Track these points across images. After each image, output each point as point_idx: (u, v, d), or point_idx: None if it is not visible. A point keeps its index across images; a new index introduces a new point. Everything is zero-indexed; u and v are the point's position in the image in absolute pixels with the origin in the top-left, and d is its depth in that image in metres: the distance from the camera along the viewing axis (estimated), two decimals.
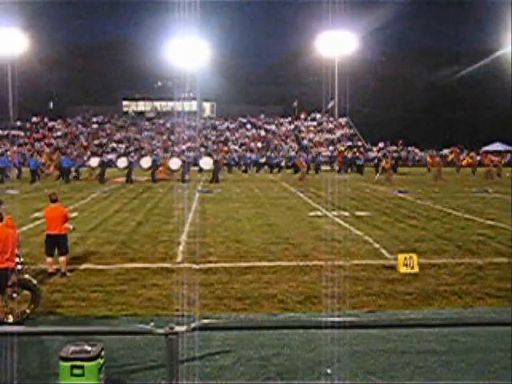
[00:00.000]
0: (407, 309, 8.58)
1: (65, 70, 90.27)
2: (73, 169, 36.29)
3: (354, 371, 6.31)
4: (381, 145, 64.07)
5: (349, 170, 44.28)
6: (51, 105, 73.23)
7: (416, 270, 10.53)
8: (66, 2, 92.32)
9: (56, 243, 10.61)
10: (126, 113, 73.65)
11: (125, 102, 75.17)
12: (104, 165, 35.11)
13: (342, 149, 54.11)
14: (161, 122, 70.22)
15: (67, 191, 26.62)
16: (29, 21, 58.53)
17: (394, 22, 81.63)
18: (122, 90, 77.03)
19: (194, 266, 11.07)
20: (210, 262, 11.53)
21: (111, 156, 50.11)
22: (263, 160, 48.36)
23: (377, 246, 13.20)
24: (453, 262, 11.44)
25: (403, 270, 10.52)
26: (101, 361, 4.97)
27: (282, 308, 8.61)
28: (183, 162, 36.05)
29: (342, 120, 69.60)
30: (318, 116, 71.70)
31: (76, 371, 4.82)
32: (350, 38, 59.20)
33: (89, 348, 4.96)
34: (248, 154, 54.14)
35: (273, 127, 70.15)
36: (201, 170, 40.44)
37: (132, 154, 48.82)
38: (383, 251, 12.58)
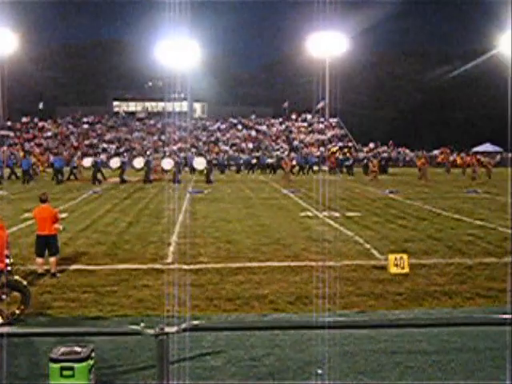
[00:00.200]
0: (397, 309, 8.61)
1: (55, 70, 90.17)
2: (67, 169, 36.17)
3: (345, 371, 6.32)
4: (371, 145, 64.20)
5: (339, 170, 44.35)
6: (41, 105, 72.81)
7: (406, 270, 10.57)
8: (57, 1, 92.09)
9: (46, 244, 10.57)
10: (117, 113, 73.37)
11: (115, 103, 74.85)
12: (97, 165, 34.96)
13: (334, 150, 54.25)
14: (151, 122, 70.05)
15: (58, 191, 26.50)
16: (19, 20, 58.33)
17: (384, 23, 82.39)
18: (113, 91, 76.85)
19: (185, 266, 11.05)
20: (201, 262, 11.51)
21: (102, 156, 49.91)
22: (254, 161, 48.29)
23: (367, 246, 13.24)
24: (443, 262, 11.50)
25: (394, 270, 10.56)
26: (91, 362, 4.94)
27: (273, 308, 8.60)
28: (176, 162, 36.00)
29: (333, 120, 69.70)
30: (309, 117, 71.79)
31: (66, 372, 4.78)
32: (341, 39, 59.42)
33: (79, 349, 4.93)
34: (239, 155, 54.08)
35: (264, 128, 70.16)
36: (192, 170, 40.38)
37: (124, 154, 48.65)
38: (374, 251, 12.61)
